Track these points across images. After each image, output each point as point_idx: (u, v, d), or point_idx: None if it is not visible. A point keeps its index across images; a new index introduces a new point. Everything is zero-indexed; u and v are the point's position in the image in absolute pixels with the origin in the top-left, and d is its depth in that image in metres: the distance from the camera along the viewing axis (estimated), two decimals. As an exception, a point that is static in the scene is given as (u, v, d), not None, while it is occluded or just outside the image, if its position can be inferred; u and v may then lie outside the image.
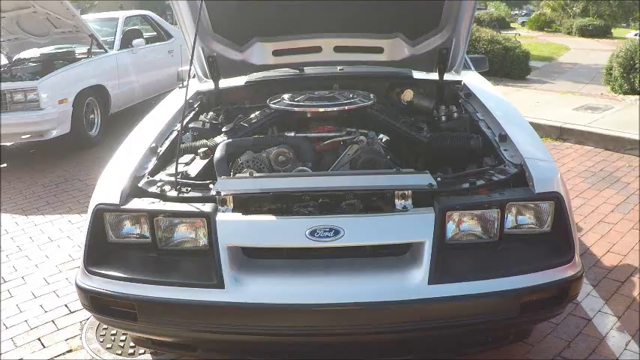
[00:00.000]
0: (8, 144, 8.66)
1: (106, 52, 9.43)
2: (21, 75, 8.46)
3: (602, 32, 32.30)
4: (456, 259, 2.81)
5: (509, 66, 13.53)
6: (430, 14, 4.05)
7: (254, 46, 4.30)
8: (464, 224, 2.86)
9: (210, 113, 4.17)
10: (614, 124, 8.36)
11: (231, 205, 2.87)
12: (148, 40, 10.80)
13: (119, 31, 9.97)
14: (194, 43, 3.44)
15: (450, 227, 2.83)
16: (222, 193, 2.86)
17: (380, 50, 4.28)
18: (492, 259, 2.85)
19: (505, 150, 3.26)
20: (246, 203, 2.93)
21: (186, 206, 2.89)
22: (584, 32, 31.67)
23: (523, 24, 41.91)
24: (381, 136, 3.76)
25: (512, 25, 39.27)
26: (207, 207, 2.84)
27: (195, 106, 4.35)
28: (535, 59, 15.90)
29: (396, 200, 2.82)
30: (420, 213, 2.78)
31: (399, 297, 2.66)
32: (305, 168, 3.32)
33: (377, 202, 2.92)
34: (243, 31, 4.25)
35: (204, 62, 4.35)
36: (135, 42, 10.01)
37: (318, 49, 4.29)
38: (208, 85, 4.54)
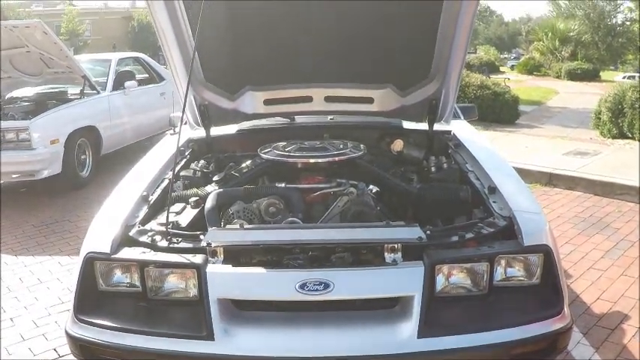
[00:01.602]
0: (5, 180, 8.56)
1: (99, 93, 9.46)
2: (13, 114, 8.43)
3: (591, 75, 32.64)
4: (446, 312, 2.82)
5: (499, 111, 13.58)
6: (420, 65, 4.11)
7: (245, 95, 4.34)
8: (453, 277, 2.88)
9: (202, 161, 4.19)
10: (604, 169, 8.45)
11: (222, 256, 2.88)
12: (140, 82, 10.82)
13: (112, 73, 10.00)
14: (186, 92, 3.47)
15: (440, 280, 2.84)
16: (213, 245, 2.87)
17: (370, 100, 4.32)
18: (482, 311, 2.87)
19: (494, 202, 3.29)
20: (236, 255, 2.94)
21: (176, 257, 2.90)
22: (573, 76, 31.98)
23: (512, 67, 42.41)
24: (371, 187, 3.78)
25: (501, 68, 39.73)
26: (197, 258, 2.85)
27: (187, 153, 4.37)
28: (524, 103, 15.99)
29: (386, 253, 2.84)
30: (410, 267, 2.80)
31: (388, 351, 2.66)
32: (295, 219, 3.33)
33: (366, 255, 2.93)
34: (235, 80, 4.29)
35: (196, 110, 4.38)
36: (127, 84, 10.03)
37: (309, 99, 4.33)
38: (200, 132, 4.56)
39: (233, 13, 3.93)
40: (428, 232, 2.97)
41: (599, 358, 3.99)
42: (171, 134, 4.92)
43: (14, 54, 8.90)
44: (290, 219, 3.34)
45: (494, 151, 4.33)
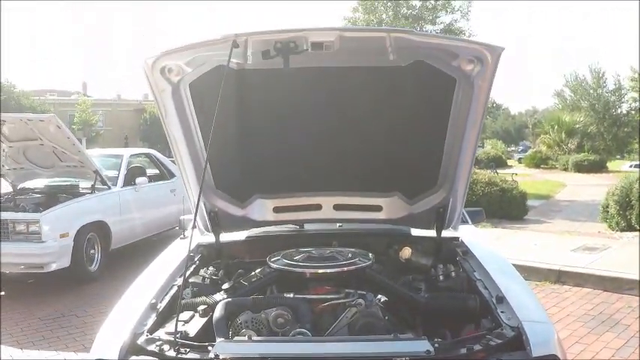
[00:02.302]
0: (7, 272, 8.65)
1: (109, 188, 9.62)
2: (24, 205, 8.62)
3: (598, 166, 32.77)
4: None
5: (507, 207, 13.67)
6: (427, 174, 4.19)
7: (255, 203, 4.42)
8: None
9: (211, 268, 4.22)
10: (613, 265, 8.44)
11: None
12: (151, 179, 10.98)
13: (123, 169, 10.18)
14: (198, 200, 3.57)
15: None
16: (221, 357, 2.88)
17: (379, 209, 4.39)
18: None
19: (502, 312, 3.29)
20: None
21: None
22: (580, 167, 32.11)
23: (520, 160, 42.66)
24: (379, 296, 3.79)
25: (509, 162, 39.93)
26: None
27: (196, 259, 4.41)
28: (532, 197, 16.07)
29: None
30: None
31: None
32: (303, 330, 3.34)
33: None
34: (245, 188, 4.38)
35: (206, 216, 4.44)
36: (138, 180, 10.20)
37: (318, 207, 4.41)
38: (209, 237, 4.61)
39: (244, 125, 4.05)
40: (436, 344, 2.97)
41: None
42: (180, 239, 4.97)
43: (28, 146, 9.12)
44: (298, 330, 3.35)
45: (501, 257, 4.36)
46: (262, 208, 4.45)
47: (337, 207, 4.41)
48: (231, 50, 3.37)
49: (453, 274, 4.02)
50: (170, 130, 3.95)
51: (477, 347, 2.99)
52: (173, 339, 3.08)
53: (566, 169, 33.27)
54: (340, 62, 3.67)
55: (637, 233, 10.82)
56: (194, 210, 4.31)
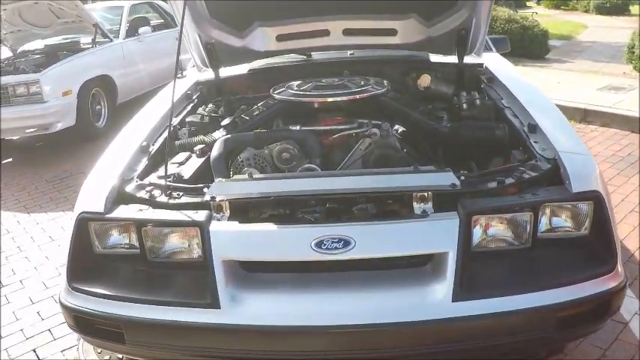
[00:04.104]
0: (15, 138, 8.49)
1: (111, 41, 9.22)
2: (24, 67, 8.26)
3: (620, 10, 31.61)
4: (483, 270, 2.48)
5: (528, 45, 13.04)
6: None
7: (256, 32, 3.96)
8: (492, 229, 2.52)
9: (210, 105, 3.85)
10: (640, 105, 7.97)
11: (228, 211, 2.55)
12: (155, 28, 10.54)
13: (124, 20, 9.73)
14: (181, 27, 3.04)
15: (477, 233, 2.49)
16: (218, 199, 2.54)
17: (393, 32, 3.91)
18: (524, 269, 2.51)
19: (535, 142, 2.90)
20: (244, 209, 2.61)
21: (177, 214, 2.58)
22: (602, 10, 31.00)
23: (539, 2, 41.21)
24: (396, 127, 3.43)
25: (527, 3, 38.62)
26: (200, 215, 2.53)
27: (194, 97, 4.04)
28: (553, 37, 15.37)
29: (415, 203, 2.48)
30: (443, 219, 2.44)
31: (419, 317, 2.33)
32: (312, 165, 2.99)
33: (392, 206, 2.58)
34: (244, 15, 3.90)
35: (203, 50, 4.01)
36: (141, 30, 9.77)
37: (325, 33, 3.95)
38: (208, 74, 4.21)
39: None
40: (462, 177, 2.61)
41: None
42: (178, 78, 4.55)
43: (22, 6, 8.68)
44: (306, 166, 3.00)
45: (531, 85, 3.92)
46: (264, 37, 3.99)
47: (347, 32, 3.93)
48: None
49: (478, 102, 3.60)
50: None
51: (509, 180, 2.62)
52: (164, 183, 2.74)
53: (587, 11, 32.09)
54: None
55: (664, 75, 10.29)
56: (188, 44, 3.93)
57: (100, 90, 8.76)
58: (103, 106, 8.91)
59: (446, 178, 2.55)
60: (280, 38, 3.99)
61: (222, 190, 2.62)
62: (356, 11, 3.85)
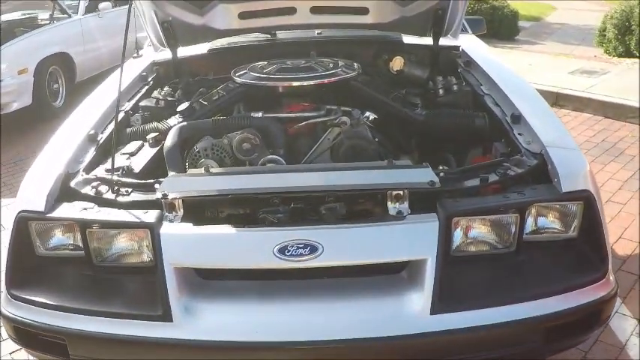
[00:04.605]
0: None
1: (70, 17, 8.86)
2: None
3: (588, -9, 31.81)
4: (464, 277, 2.27)
5: (498, 26, 12.91)
6: None
7: (216, 9, 3.64)
8: (474, 231, 2.30)
9: (166, 88, 3.56)
10: (614, 90, 7.81)
11: (181, 211, 2.29)
12: (116, 3, 10.10)
13: (84, -6, 9.44)
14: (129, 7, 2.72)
15: (457, 235, 2.26)
16: (170, 197, 2.27)
17: (365, 11, 3.64)
18: (509, 275, 2.30)
19: (520, 134, 2.67)
20: (200, 208, 2.36)
21: (124, 214, 2.30)
22: (570, -9, 31.15)
23: (506, -19, 41.29)
24: (367, 114, 3.18)
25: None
26: (149, 215, 2.27)
27: (150, 79, 3.74)
28: (522, 19, 15.25)
29: (389, 203, 2.25)
30: (421, 221, 2.20)
31: (393, 331, 2.11)
32: (275, 157, 2.74)
33: (364, 205, 2.34)
34: None
35: (159, 28, 3.71)
36: (101, 5, 9.39)
37: (291, 11, 3.66)
38: (165, 54, 3.92)
39: None
40: (442, 174, 2.37)
41: (627, 311, 3.50)
42: (133, 57, 4.24)
43: None
44: (269, 157, 2.74)
45: (511, 70, 3.69)
46: (225, 14, 3.67)
47: (315, 10, 3.64)
48: None
49: (455, 87, 3.36)
50: None
51: (493, 177, 2.38)
52: (111, 177, 2.47)
53: (555, -8, 32.29)
54: None
55: (637, 60, 10.16)
56: (144, 21, 3.68)
57: (57, 68, 8.44)
58: (61, 84, 8.59)
59: (424, 175, 2.32)
60: (243, 16, 3.68)
61: (174, 186, 2.36)
62: None
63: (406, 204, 2.23)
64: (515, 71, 3.73)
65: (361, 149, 2.73)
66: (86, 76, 9.00)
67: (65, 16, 8.81)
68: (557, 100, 7.80)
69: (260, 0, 3.62)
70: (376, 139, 2.95)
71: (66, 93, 8.59)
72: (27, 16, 9.20)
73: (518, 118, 2.77)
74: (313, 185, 2.32)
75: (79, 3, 9.18)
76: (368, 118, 3.16)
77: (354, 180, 2.35)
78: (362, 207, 2.34)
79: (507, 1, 14.19)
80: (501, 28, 13.07)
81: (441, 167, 2.51)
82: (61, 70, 8.53)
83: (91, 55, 9.09)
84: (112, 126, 3.00)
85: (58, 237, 2.42)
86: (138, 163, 2.77)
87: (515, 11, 13.66)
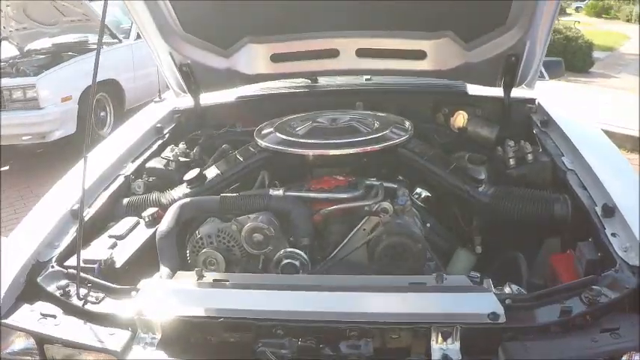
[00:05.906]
0: (15, 143, 7.87)
1: (120, 41, 8.64)
2: (25, 69, 7.67)
3: (664, 19, 30.99)
4: None
5: (571, 57, 12.37)
6: (494, 6, 2.79)
7: (244, 49, 3.14)
8: None
9: (181, 145, 2.99)
10: None
11: (159, 334, 1.73)
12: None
13: (136, 19, 9.06)
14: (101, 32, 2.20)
15: None
16: (145, 315, 1.71)
17: (422, 55, 3.07)
18: None
19: (614, 235, 1.97)
20: (182, 331, 1.79)
21: (87, 333, 1.77)
22: (645, 19, 30.38)
23: (578, 9, 40.38)
24: (418, 190, 2.55)
25: (567, 10, 37.77)
26: (117, 339, 1.74)
27: (166, 132, 3.21)
28: (596, 49, 14.62)
29: (433, 342, 1.65)
30: None
31: None
32: (295, 251, 2.15)
33: (399, 343, 1.73)
34: (228, 28, 3.10)
35: (177, 72, 3.20)
36: None
37: (334, 53, 3.14)
38: (188, 100, 3.40)
39: None
40: (508, 300, 1.72)
41: None
42: (155, 102, 3.73)
43: (26, 3, 8.14)
44: (288, 251, 2.17)
45: (600, 133, 2.99)
46: (255, 56, 3.17)
47: (361, 52, 3.11)
48: None
49: (530, 157, 2.67)
50: None
51: (579, 307, 1.72)
52: (77, 277, 1.94)
53: (629, 20, 31.46)
54: None
55: None
56: (159, 64, 3.18)
57: (105, 95, 8.25)
58: (109, 112, 8.42)
59: (484, 303, 1.71)
60: (275, 58, 3.18)
61: (153, 298, 1.79)
62: (373, 26, 3.04)
63: (457, 345, 1.64)
64: (602, 133, 3.04)
65: (403, 250, 2.11)
66: (136, 104, 8.67)
67: (116, 41, 8.59)
68: (638, 144, 7.13)
69: (297, 41, 3.09)
70: (428, 224, 2.38)
71: (114, 121, 8.36)
72: (77, 40, 8.91)
73: (612, 211, 2.07)
74: (330, 312, 1.75)
75: (130, 27, 8.93)
76: (419, 196, 2.54)
77: (386, 306, 1.77)
78: (396, 344, 1.73)
79: (581, 31, 13.52)
80: (575, 60, 12.57)
81: (507, 287, 1.87)
82: (109, 98, 8.34)
83: (141, 83, 8.85)
84: (107, 193, 2.51)
85: (18, 344, 1.93)
86: (125, 252, 2.23)
87: (590, 42, 13.11)
